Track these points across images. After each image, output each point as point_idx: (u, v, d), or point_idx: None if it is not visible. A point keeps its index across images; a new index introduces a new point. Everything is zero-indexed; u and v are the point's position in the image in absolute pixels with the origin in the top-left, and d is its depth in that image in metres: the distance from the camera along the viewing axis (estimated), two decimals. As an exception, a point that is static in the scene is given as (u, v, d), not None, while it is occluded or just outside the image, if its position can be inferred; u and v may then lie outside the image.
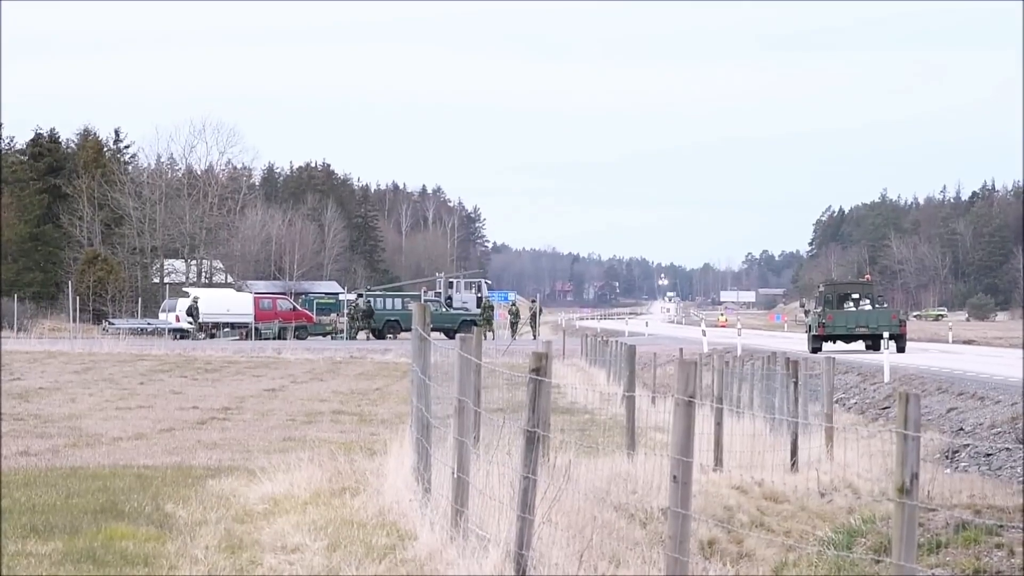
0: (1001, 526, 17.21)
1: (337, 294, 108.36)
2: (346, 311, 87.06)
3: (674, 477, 9.14)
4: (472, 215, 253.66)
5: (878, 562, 15.06)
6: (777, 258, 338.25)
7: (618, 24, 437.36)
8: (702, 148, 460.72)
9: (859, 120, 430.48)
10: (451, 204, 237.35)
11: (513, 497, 11.14)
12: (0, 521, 13.70)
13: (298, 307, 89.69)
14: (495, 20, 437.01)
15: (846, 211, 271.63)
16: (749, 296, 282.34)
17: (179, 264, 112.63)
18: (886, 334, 48.58)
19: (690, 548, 9.26)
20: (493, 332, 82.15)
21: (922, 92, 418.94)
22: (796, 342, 65.90)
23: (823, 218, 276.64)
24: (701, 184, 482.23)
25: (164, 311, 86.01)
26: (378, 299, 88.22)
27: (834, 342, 57.84)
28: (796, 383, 24.64)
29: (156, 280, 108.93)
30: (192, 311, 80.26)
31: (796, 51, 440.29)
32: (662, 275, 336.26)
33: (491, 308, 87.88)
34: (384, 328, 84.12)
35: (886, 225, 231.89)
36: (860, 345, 57.82)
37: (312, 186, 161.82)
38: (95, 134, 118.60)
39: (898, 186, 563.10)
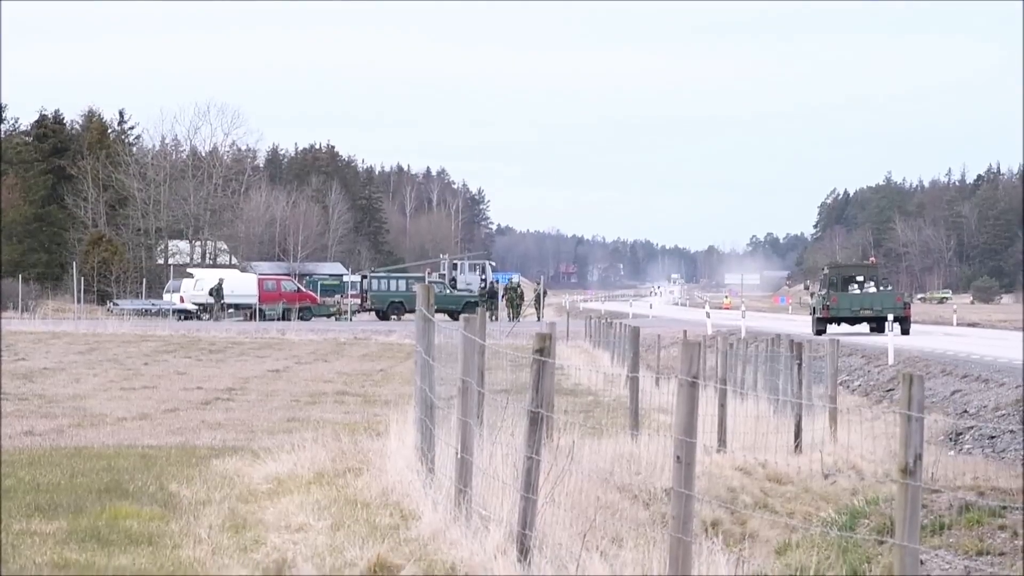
0: (1004, 507, 17.23)
1: (341, 275, 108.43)
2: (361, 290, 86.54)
3: (677, 458, 9.15)
4: (476, 197, 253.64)
5: (881, 543, 15.07)
6: (782, 240, 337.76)
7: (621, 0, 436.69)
8: (707, 128, 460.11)
9: (864, 101, 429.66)
10: (455, 186, 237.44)
11: (516, 477, 11.16)
12: (0, 504, 13.72)
13: (302, 288, 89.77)
14: None
15: (851, 193, 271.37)
16: (754, 278, 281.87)
17: (183, 245, 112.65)
18: (890, 316, 48.54)
19: (693, 528, 9.27)
20: (517, 314, 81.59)
21: (927, 73, 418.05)
22: (801, 324, 65.84)
23: (828, 201, 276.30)
24: (706, 166, 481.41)
25: (168, 292, 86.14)
26: (383, 280, 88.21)
27: (838, 324, 57.83)
28: (800, 365, 24.66)
29: (160, 261, 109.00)
30: (216, 292, 79.98)
31: (800, 31, 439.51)
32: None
33: (515, 291, 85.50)
34: (388, 309, 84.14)
35: (891, 208, 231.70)
36: (864, 327, 57.81)
37: (316, 167, 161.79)
38: (99, 115, 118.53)
39: (903, 169, 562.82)
